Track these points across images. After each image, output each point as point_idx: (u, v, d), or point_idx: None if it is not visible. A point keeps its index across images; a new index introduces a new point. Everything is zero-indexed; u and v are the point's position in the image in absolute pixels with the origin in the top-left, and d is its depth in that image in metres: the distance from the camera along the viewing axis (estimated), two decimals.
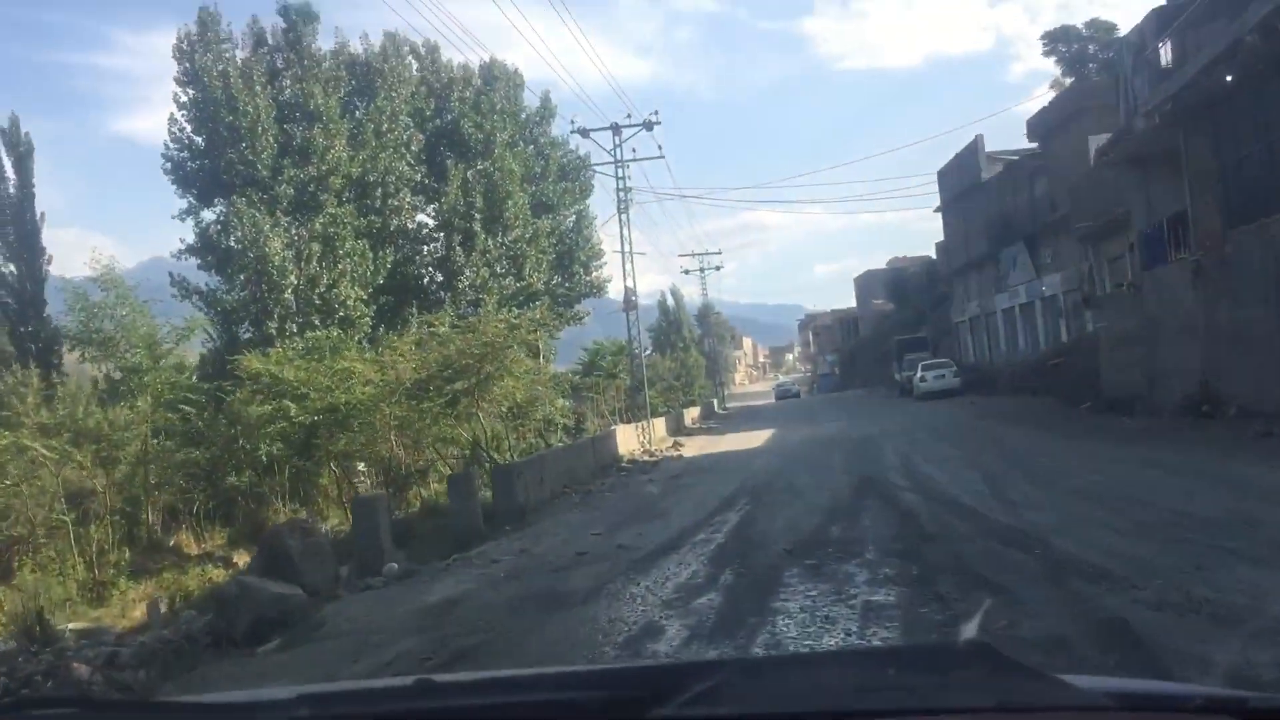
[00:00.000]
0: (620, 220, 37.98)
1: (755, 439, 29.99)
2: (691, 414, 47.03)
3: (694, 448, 30.42)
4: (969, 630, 4.33)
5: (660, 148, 41.17)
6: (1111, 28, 60.04)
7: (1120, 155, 20.12)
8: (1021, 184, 39.00)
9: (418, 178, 38.92)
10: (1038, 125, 36.60)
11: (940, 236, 54.11)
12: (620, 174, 38.86)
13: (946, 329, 50.94)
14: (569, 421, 40.06)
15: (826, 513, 13.48)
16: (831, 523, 12.59)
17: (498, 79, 41.98)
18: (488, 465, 18.00)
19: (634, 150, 43.05)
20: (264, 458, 17.05)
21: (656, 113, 38.97)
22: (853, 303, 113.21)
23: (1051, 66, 60.96)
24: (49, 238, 36.40)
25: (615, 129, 39.59)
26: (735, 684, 1.75)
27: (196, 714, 2.18)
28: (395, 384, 16.51)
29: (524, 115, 44.63)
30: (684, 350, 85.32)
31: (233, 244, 32.10)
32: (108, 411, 15.71)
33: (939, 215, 51.38)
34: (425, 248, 40.24)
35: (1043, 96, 39.02)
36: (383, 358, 18.04)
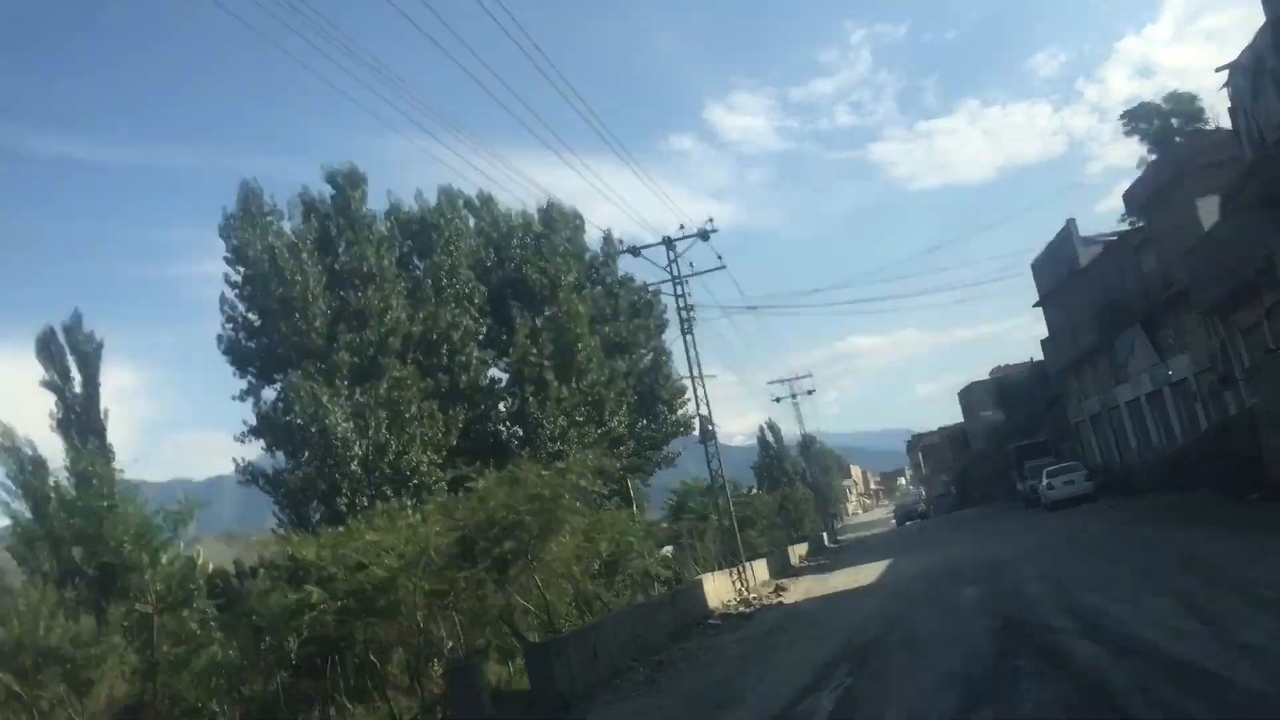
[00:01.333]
0: (685, 342, 35.53)
1: (867, 574, 26.69)
2: (798, 551, 43.90)
3: (798, 591, 27.27)
4: None
5: (720, 258, 38.24)
6: (1192, 98, 57.32)
7: (1250, 197, 17.30)
8: (1126, 263, 35.86)
9: (484, 331, 37.43)
10: (1137, 196, 33.70)
11: (1043, 333, 50.73)
12: (680, 291, 36.36)
13: (1065, 431, 47.04)
14: (669, 573, 37.19)
15: (961, 684, 9.66)
16: (974, 707, 8.72)
17: (557, 221, 40.77)
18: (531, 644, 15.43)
19: (691, 264, 40.34)
20: (293, 656, 14.66)
21: (711, 220, 36.44)
22: (959, 418, 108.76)
23: (1134, 148, 58.23)
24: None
25: (668, 243, 36.79)
26: None
27: None
28: (420, 552, 14.04)
29: (588, 256, 43.28)
30: (788, 485, 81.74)
31: (293, 420, 30.51)
32: (72, 623, 13.54)
33: (1039, 310, 48.15)
34: (500, 403, 38.35)
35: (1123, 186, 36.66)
36: (413, 524, 15.54)
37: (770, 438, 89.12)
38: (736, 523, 32.22)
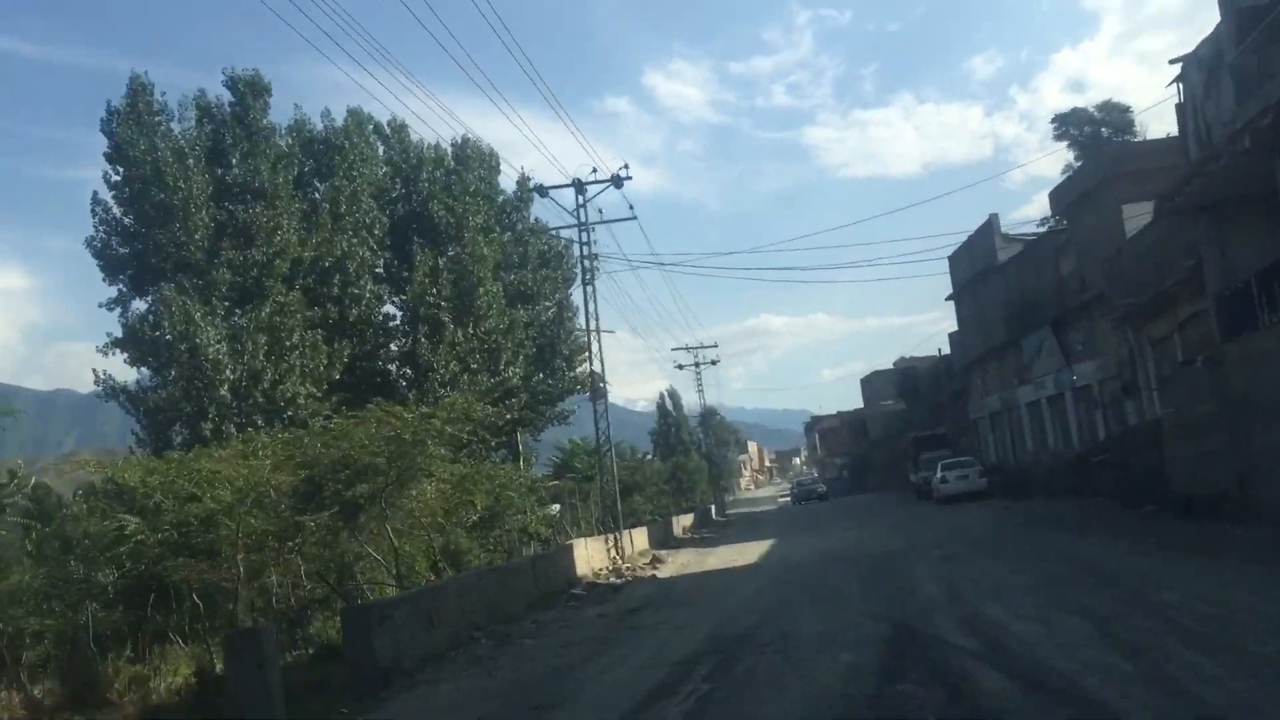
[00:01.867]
0: (585, 292, 33.95)
1: (749, 553, 25.43)
2: (683, 522, 43.19)
3: (675, 565, 25.84)
4: None
5: (631, 208, 36.71)
6: (1124, 109, 57.50)
7: (1189, 199, 16.43)
8: (1044, 263, 35.40)
9: (380, 265, 35.54)
10: (1063, 196, 33.14)
11: (952, 327, 50.50)
12: (585, 238, 35.08)
13: (964, 426, 46.85)
14: (550, 531, 35.94)
15: (840, 706, 8.27)
16: None
17: (471, 159, 38.88)
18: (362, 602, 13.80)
19: (600, 211, 38.10)
20: (110, 589, 12.99)
21: (626, 166, 34.71)
22: (860, 404, 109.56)
23: (1062, 155, 58.16)
24: None
25: (578, 186, 35.16)
26: None
27: None
28: (250, 489, 12.36)
29: (501, 199, 41.48)
30: (684, 454, 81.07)
31: (161, 335, 28.35)
32: None
33: (949, 307, 47.80)
34: (391, 341, 36.51)
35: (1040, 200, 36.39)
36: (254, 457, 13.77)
37: (670, 405, 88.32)
38: (620, 488, 31.02)
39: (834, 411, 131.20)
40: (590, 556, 22.09)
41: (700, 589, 18.70)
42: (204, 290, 29.08)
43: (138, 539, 12.15)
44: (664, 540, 35.27)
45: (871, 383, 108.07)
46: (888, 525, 29.15)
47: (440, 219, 36.54)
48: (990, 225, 39.58)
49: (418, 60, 33.11)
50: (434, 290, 35.18)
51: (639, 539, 29.41)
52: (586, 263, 33.62)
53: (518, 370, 37.66)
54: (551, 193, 34.40)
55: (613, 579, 21.22)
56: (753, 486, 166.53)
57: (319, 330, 33.14)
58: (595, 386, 27.49)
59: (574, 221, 34.37)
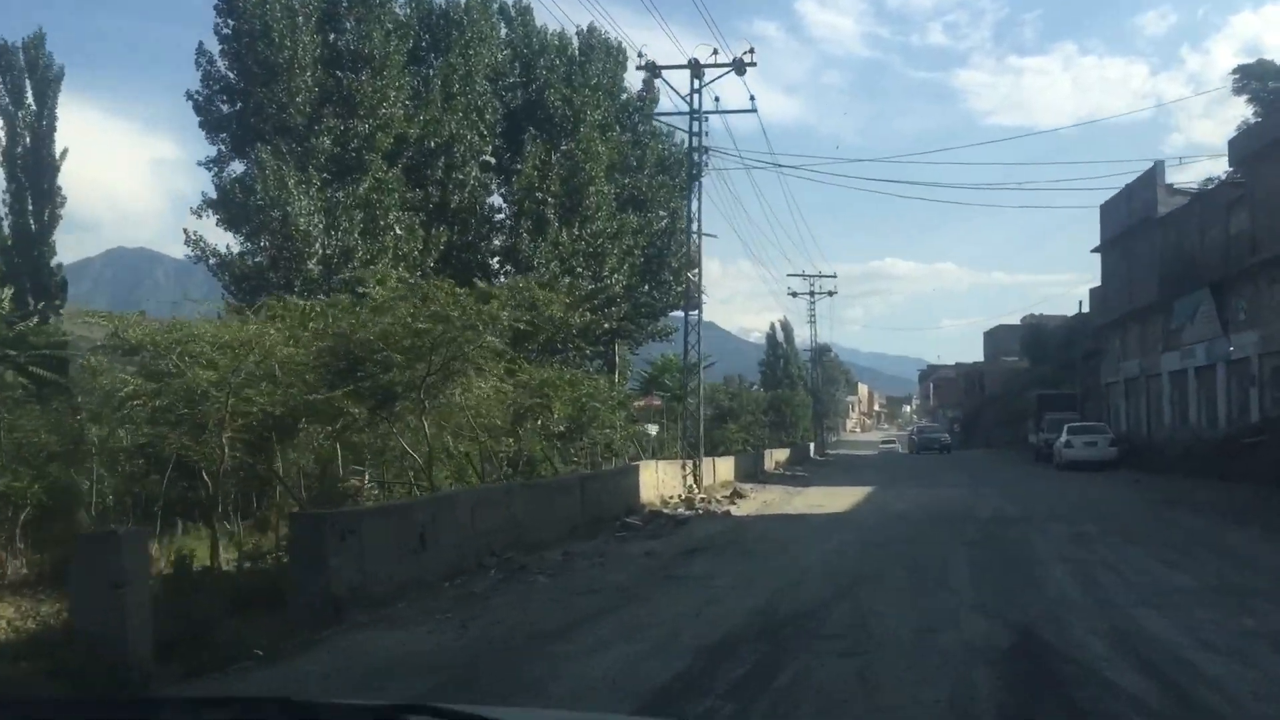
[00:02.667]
0: (691, 189, 31.49)
1: (842, 499, 22.66)
2: (777, 457, 40.91)
3: (756, 502, 22.98)
4: None
5: (753, 99, 33.47)
6: None
7: None
8: (1212, 219, 31.80)
9: (489, 152, 33.76)
10: (1244, 146, 29.47)
11: (1086, 289, 46.84)
12: (697, 128, 32.55)
13: (1093, 391, 43.48)
14: (640, 452, 34.39)
15: None
16: None
17: (596, 50, 36.64)
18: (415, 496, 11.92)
19: (717, 99, 34.86)
20: (122, 456, 11.61)
21: (752, 50, 31.54)
22: (980, 359, 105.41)
23: (1239, 109, 53.10)
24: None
25: (694, 68, 31.90)
26: None
27: (184, 711, 2.23)
28: (248, 359, 10.57)
29: (624, 98, 39.22)
30: (790, 387, 78.65)
31: (252, 200, 27.19)
32: None
33: (1086, 266, 44.15)
34: (494, 234, 34.86)
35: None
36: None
37: (781, 336, 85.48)
38: (713, 412, 29.07)
39: (951, 362, 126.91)
40: (661, 481, 20.28)
41: (774, 536, 16.04)
42: (302, 157, 27.79)
43: (135, 403, 10.66)
44: (752, 473, 33.32)
45: (995, 337, 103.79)
46: (1001, 486, 26.27)
47: (556, 110, 34.55)
48: (1154, 174, 35.87)
49: None
50: (542, 184, 33.38)
51: (723, 469, 27.37)
52: (696, 156, 30.99)
53: (621, 278, 35.76)
54: (665, 74, 31.32)
55: (681, 510, 18.96)
56: (859, 429, 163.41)
57: (419, 214, 31.78)
58: (690, 293, 25.03)
59: (686, 108, 31.29)
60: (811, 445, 64.45)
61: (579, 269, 34.64)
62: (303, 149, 27.83)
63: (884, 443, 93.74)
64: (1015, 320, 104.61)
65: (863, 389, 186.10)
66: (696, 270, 26.25)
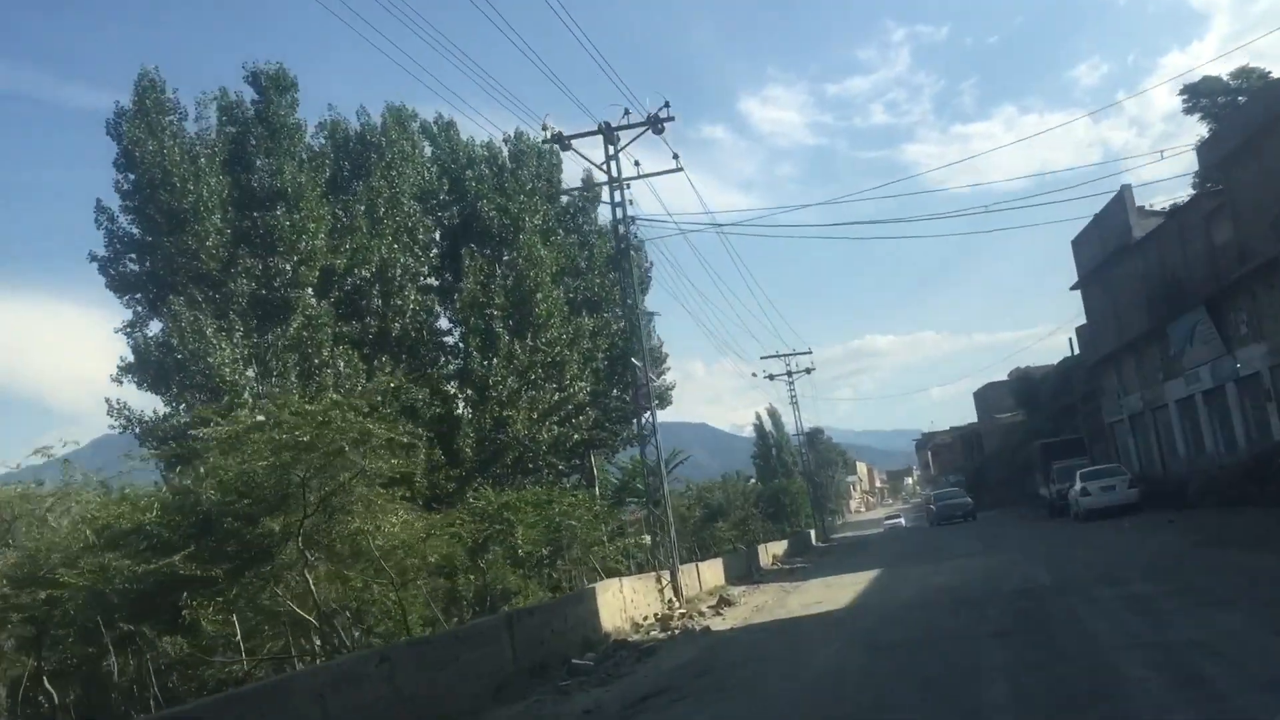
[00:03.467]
0: (621, 265, 28.99)
1: (843, 591, 19.49)
2: (773, 551, 38.18)
3: (744, 609, 19.55)
4: None
5: (677, 157, 28.69)
6: (1263, 74, 51.30)
7: None
8: (1192, 234, 30.11)
9: (426, 273, 31.95)
10: (1214, 151, 27.92)
11: (1068, 339, 45.07)
12: (618, 198, 27.82)
13: (1098, 433, 41.31)
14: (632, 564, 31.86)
15: None
16: None
17: (526, 155, 35.18)
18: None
19: (637, 165, 29.94)
20: None
21: (667, 104, 26.92)
22: (974, 420, 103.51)
23: (1192, 128, 52.21)
24: None
25: (606, 131, 26.91)
26: None
27: None
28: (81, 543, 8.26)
29: (564, 200, 37.70)
30: (786, 476, 76.18)
31: (172, 355, 25.20)
32: None
33: (1065, 311, 42.39)
34: (446, 360, 32.78)
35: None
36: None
37: (769, 425, 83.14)
38: (701, 514, 26.63)
39: (946, 427, 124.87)
40: (630, 602, 17.04)
41: (757, 656, 13.10)
42: (220, 304, 25.91)
43: None
44: (745, 573, 30.35)
45: (985, 396, 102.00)
46: (1021, 549, 24.00)
47: (493, 221, 32.91)
48: (1122, 199, 34.28)
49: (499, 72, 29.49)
50: (486, 297, 31.51)
51: (710, 573, 24.49)
52: (622, 226, 28.43)
53: (584, 384, 33.77)
54: (577, 144, 28.40)
55: (656, 632, 15.80)
56: (863, 509, 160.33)
57: (360, 347, 29.87)
58: (637, 382, 22.42)
59: (603, 177, 28.10)
60: (812, 533, 61.37)
61: (538, 380, 32.65)
62: (220, 295, 25.98)
63: (887, 519, 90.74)
64: (1004, 377, 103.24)
65: (861, 467, 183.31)
66: (642, 354, 22.56)
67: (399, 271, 30.36)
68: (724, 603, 18.45)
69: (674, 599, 17.80)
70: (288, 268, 26.70)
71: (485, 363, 30.94)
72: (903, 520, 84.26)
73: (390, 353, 30.80)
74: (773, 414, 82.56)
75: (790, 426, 75.79)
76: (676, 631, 14.49)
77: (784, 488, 73.86)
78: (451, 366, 32.91)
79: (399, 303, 30.89)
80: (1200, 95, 52.70)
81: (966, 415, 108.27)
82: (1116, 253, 35.09)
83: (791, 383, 63.77)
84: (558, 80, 27.33)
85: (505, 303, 31.77)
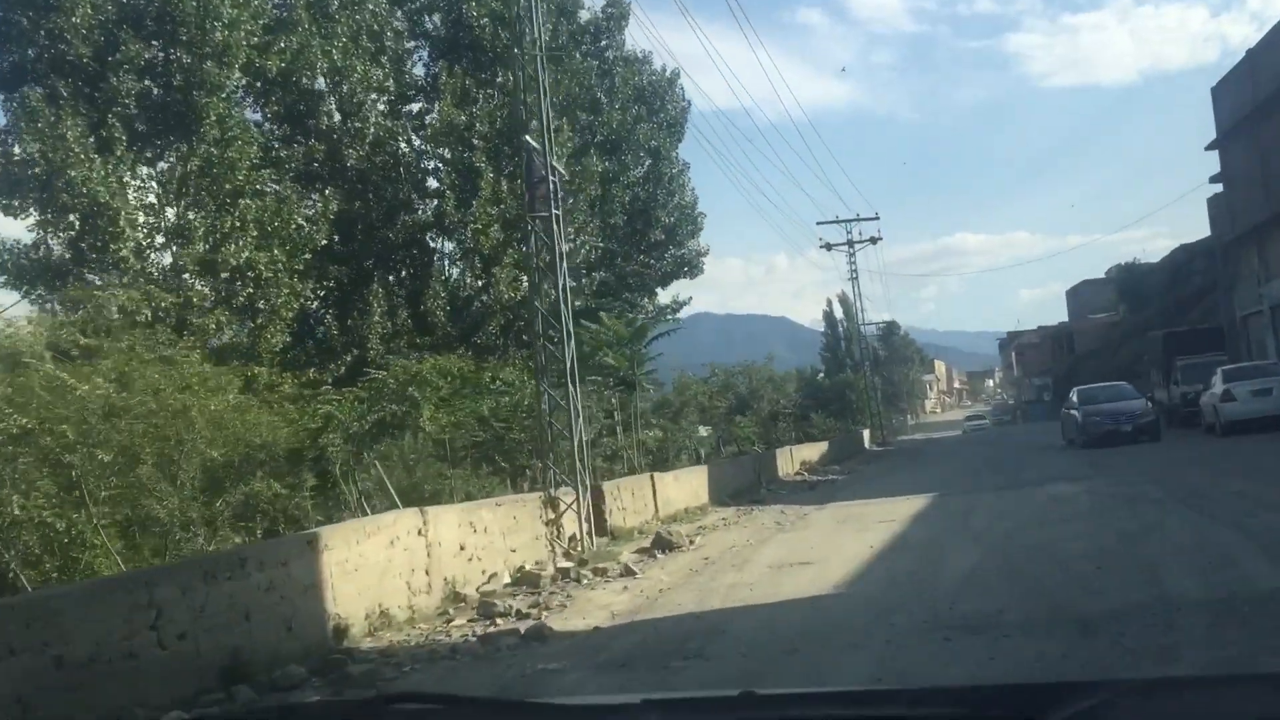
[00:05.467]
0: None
1: (859, 538, 11.50)
2: (801, 456, 29.42)
3: (677, 567, 10.65)
4: None
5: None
6: None
7: None
8: None
9: (392, 88, 25.67)
10: None
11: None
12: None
13: (1227, 328, 33.63)
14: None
15: None
16: None
17: None
18: None
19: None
20: None
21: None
22: (1064, 318, 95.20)
23: None
24: None
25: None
26: (1121, 706, 1.58)
27: (552, 714, 2.14)
28: None
29: (584, 18, 30.83)
30: (855, 371, 69.33)
31: (32, 167, 19.57)
32: None
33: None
34: (415, 196, 26.59)
35: None
36: None
37: (839, 313, 75.44)
38: (728, 405, 20.36)
39: (1034, 326, 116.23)
40: (461, 551, 8.83)
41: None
42: (102, 106, 20.09)
43: None
44: (747, 486, 21.62)
45: (1079, 294, 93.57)
46: (1149, 475, 15.38)
47: (484, 30, 26.30)
48: None
49: None
50: (467, 123, 25.21)
51: (684, 489, 17.00)
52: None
53: (593, 240, 27.45)
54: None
55: (447, 631, 7.55)
56: (939, 410, 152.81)
57: (302, 180, 24.12)
58: (530, 167, 15.10)
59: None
60: (866, 433, 54.06)
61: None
62: (99, 94, 20.12)
63: (970, 419, 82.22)
64: (1100, 275, 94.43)
65: (940, 366, 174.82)
66: (545, 139, 14.07)
67: (357, 84, 24.24)
68: (658, 548, 11.37)
69: (576, 538, 11.07)
70: (193, 61, 20.67)
71: (461, 208, 24.81)
72: (987, 421, 76.35)
73: (345, 186, 24.91)
74: (844, 302, 74.33)
75: (858, 309, 67.57)
76: (534, 616, 7.49)
77: (850, 382, 67.23)
78: (419, 209, 26.81)
79: (358, 124, 24.87)
80: None
81: (1059, 317, 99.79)
82: (1277, 93, 27.26)
83: (852, 253, 55.57)
84: None
85: (491, 132, 25.45)
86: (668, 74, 31.45)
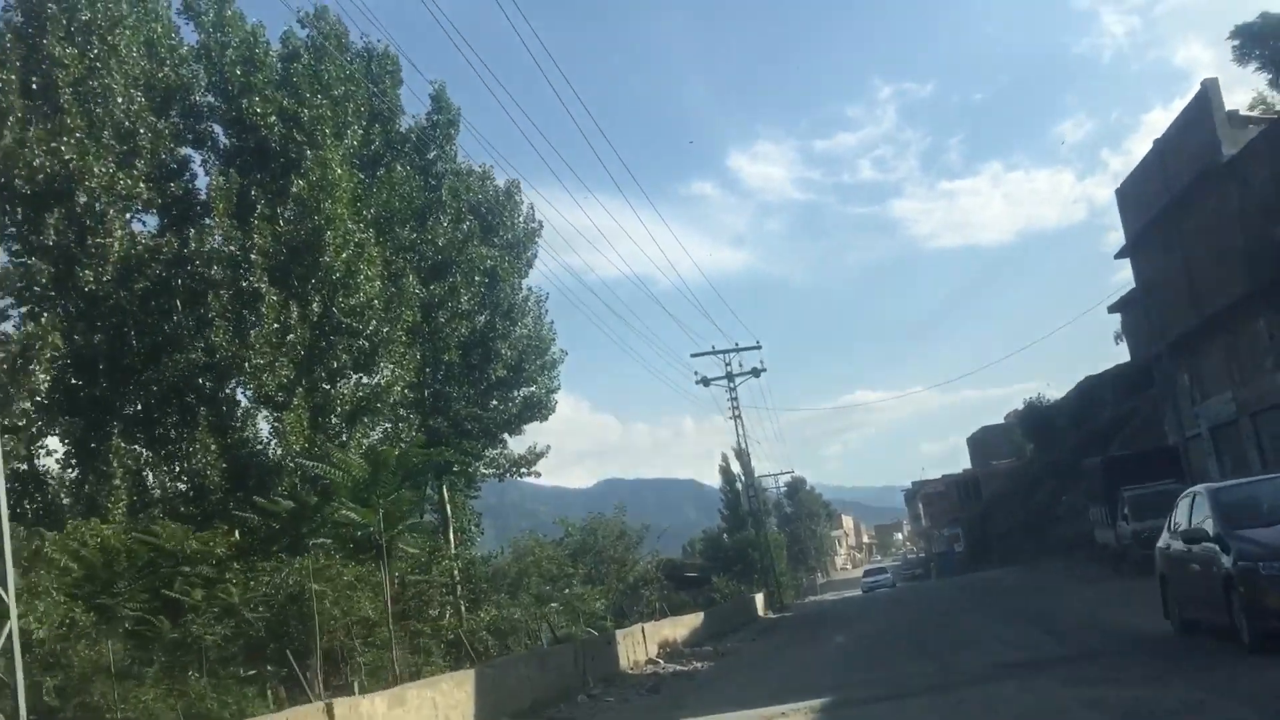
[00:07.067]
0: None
1: None
2: (668, 633, 23.53)
3: None
4: None
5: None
6: None
7: None
8: None
9: (142, 193, 20.62)
10: None
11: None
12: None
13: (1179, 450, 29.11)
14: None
15: None
16: None
17: (327, 47, 23.78)
18: None
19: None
20: None
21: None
22: (968, 465, 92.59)
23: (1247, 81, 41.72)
24: None
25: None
26: None
27: None
28: None
29: (408, 124, 26.50)
30: (757, 528, 64.33)
31: None
32: None
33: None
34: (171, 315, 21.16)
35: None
36: None
37: (737, 468, 69.99)
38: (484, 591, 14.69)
39: (938, 475, 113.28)
40: None
41: None
42: None
43: None
44: (557, 697, 15.27)
45: (981, 440, 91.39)
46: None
47: (271, 130, 21.63)
48: (1206, 99, 23.25)
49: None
50: (243, 239, 20.25)
51: (415, 713, 11.03)
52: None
53: (403, 373, 22.24)
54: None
55: None
56: (849, 565, 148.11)
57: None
58: None
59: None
60: (759, 598, 47.66)
61: (331, 363, 21.42)
62: None
63: (869, 574, 72.95)
64: (999, 421, 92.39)
65: (848, 520, 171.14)
66: None
67: (97, 184, 19.19)
68: None
69: None
70: None
71: (232, 334, 19.61)
72: (889, 577, 68.46)
73: (83, 317, 19.62)
74: (740, 455, 68.83)
75: (739, 441, 61.44)
76: None
77: (752, 540, 62.14)
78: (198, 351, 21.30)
79: (102, 242, 19.71)
80: (1253, 43, 42.03)
81: (964, 465, 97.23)
82: (1194, 184, 23.97)
83: (733, 387, 50.44)
84: None
85: (275, 248, 20.52)
86: (505, 187, 27.15)
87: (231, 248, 20.26)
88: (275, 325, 20.11)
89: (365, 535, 13.86)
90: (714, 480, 76.39)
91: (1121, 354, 48.18)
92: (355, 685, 14.40)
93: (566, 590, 22.12)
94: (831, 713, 9.62)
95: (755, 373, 49.64)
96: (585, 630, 20.81)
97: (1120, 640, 12.61)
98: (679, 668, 18.89)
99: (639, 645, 20.22)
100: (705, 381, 48.67)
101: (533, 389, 26.43)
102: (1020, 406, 68.61)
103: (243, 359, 19.69)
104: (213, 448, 19.75)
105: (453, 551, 24.03)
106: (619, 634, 19.99)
